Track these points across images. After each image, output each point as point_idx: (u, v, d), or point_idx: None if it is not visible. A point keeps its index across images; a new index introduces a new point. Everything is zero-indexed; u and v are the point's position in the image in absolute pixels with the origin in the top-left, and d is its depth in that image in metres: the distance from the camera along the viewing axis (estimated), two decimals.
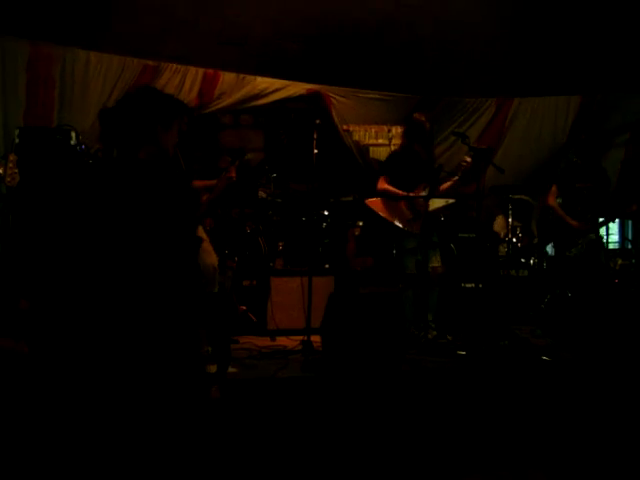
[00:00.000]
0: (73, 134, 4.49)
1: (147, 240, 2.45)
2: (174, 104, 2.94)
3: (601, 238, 5.36)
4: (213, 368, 3.65)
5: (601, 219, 5.28)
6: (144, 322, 2.42)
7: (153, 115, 2.62)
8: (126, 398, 2.38)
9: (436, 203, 4.83)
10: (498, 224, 6.73)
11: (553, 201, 5.40)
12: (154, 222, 2.47)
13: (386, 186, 4.90)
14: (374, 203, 5.01)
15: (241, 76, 6.18)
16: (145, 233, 2.46)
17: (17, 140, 4.35)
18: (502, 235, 6.43)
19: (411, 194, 4.81)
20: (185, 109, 4.32)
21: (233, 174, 3.57)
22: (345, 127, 6.72)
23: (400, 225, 4.80)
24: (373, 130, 6.76)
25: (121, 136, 2.57)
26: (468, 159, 4.67)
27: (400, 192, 4.83)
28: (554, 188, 5.42)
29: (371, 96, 6.75)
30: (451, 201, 4.84)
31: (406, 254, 4.81)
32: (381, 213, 4.91)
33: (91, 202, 2.54)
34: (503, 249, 6.18)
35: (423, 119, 4.96)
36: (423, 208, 4.81)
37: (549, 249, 5.45)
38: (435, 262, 4.90)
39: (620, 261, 6.03)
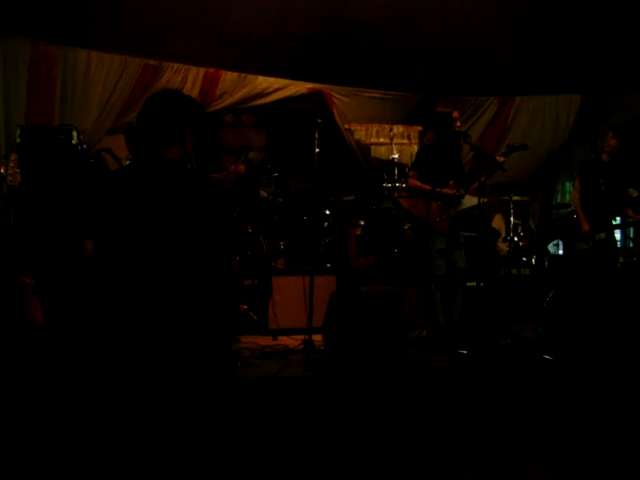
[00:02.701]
0: (75, 133, 4.48)
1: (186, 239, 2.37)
2: (200, 107, 2.90)
3: (614, 240, 5.32)
4: None
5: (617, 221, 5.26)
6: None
7: (185, 117, 2.58)
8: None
9: (469, 202, 4.69)
10: (496, 223, 6.73)
11: (576, 196, 5.33)
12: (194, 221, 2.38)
13: (416, 183, 4.77)
14: (405, 200, 4.94)
15: (242, 75, 6.17)
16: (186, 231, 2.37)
17: (18, 139, 4.34)
18: (501, 234, 6.42)
19: (445, 190, 4.68)
20: (198, 107, 4.32)
21: (241, 167, 3.56)
22: (347, 126, 6.71)
23: (430, 223, 4.63)
24: (375, 129, 6.75)
25: (150, 136, 2.50)
26: (502, 158, 4.59)
27: (429, 188, 4.63)
28: (577, 183, 5.35)
29: (373, 95, 6.74)
30: (484, 200, 4.62)
31: (436, 255, 4.65)
32: (412, 210, 4.83)
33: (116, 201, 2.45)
34: (504, 247, 6.18)
35: (448, 111, 4.80)
36: (454, 206, 4.68)
37: (551, 248, 5.43)
38: (462, 262, 4.77)
39: (622, 259, 6.02)
